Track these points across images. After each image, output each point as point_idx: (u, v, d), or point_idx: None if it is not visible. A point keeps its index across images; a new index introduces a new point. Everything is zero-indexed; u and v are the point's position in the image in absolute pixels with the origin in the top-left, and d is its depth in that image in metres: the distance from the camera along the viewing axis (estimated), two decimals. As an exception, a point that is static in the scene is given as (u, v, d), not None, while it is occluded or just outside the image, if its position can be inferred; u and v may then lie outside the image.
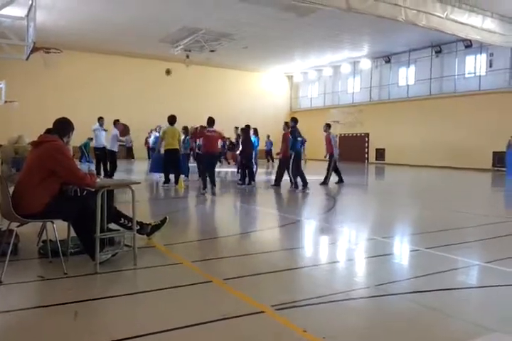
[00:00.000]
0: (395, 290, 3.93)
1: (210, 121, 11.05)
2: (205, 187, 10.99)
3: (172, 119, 12.36)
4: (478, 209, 9.47)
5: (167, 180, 12.53)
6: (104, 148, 13.81)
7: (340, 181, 14.17)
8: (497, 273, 4.55)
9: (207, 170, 11.17)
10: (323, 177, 13.88)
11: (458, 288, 4.08)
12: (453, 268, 4.73)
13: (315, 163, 29.39)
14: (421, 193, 13.00)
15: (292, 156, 12.00)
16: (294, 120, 12.51)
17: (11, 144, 13.13)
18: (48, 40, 20.02)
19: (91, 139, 19.14)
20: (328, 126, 14.12)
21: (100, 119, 14.35)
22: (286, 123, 12.61)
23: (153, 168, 13.86)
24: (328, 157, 14.11)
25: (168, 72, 28.97)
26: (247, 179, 12.78)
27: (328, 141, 13.83)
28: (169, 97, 29.82)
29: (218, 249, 5.57)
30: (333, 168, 14.04)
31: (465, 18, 16.64)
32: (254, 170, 13.91)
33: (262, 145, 21.00)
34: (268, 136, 27.09)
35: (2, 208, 4.21)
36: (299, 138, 12.22)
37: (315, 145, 29.58)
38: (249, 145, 13.23)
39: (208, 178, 10.99)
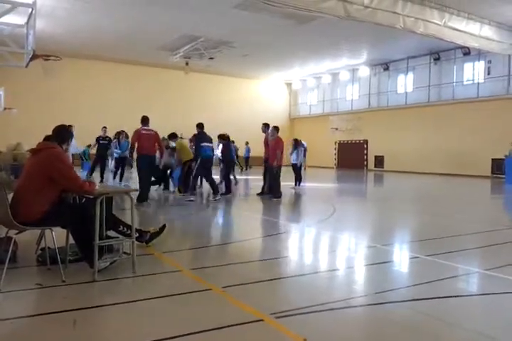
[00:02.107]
0: (395, 298, 3.92)
1: (145, 119, 10.51)
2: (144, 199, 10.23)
3: (176, 135, 12.68)
4: (478, 216, 9.46)
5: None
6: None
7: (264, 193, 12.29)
8: (497, 280, 4.54)
9: (141, 176, 10.37)
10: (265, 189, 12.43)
11: (458, 296, 4.06)
12: (453, 275, 4.72)
13: (317, 170, 29.42)
14: (420, 200, 13.00)
15: (198, 162, 11.39)
16: (200, 125, 11.68)
17: (10, 151, 13.15)
18: (48, 47, 20.11)
19: (89, 146, 19.34)
20: (266, 126, 12.28)
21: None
22: (266, 125, 12.00)
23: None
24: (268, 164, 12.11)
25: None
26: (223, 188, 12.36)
27: (278, 146, 11.70)
28: (168, 105, 29.89)
29: (217, 257, 5.55)
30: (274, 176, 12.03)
31: (463, 26, 16.73)
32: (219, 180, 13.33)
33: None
34: (247, 143, 26.96)
35: (0, 215, 4.20)
36: (205, 144, 11.47)
37: (315, 152, 29.65)
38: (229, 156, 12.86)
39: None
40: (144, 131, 10.40)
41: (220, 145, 13.55)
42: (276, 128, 12.02)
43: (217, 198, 11.09)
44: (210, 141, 11.72)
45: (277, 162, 11.63)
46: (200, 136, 11.62)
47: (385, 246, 6.15)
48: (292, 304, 3.70)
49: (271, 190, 11.79)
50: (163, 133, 11.73)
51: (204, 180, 13.32)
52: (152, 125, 10.58)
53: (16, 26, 12.06)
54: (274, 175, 11.72)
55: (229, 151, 12.96)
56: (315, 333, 3.16)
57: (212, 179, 11.48)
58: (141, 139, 10.37)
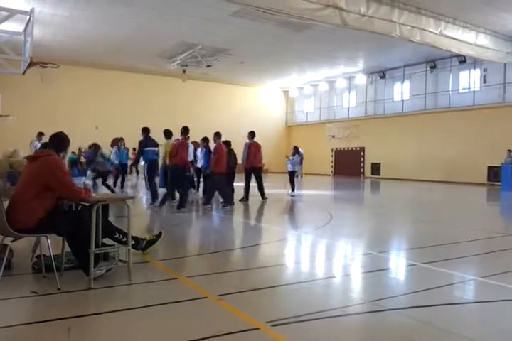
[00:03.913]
0: (392, 306, 3.91)
1: (183, 130, 10.87)
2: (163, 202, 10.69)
3: (170, 133, 12.15)
4: (474, 224, 9.47)
5: (174, 197, 11.87)
6: None
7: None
8: (493, 288, 4.53)
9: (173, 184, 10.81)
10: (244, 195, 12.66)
11: (455, 303, 4.07)
12: (449, 283, 4.72)
13: (313, 177, 29.43)
14: (416, 208, 13.01)
15: (146, 166, 11.35)
16: (146, 130, 11.55)
17: (6, 158, 13.13)
18: (45, 55, 20.10)
19: (74, 153, 19.12)
20: (217, 135, 11.88)
21: (40, 135, 14.95)
22: (216, 134, 11.62)
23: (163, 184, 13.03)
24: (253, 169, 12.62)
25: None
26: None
27: (216, 152, 11.64)
28: (166, 112, 29.88)
29: (213, 265, 5.54)
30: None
31: (459, 34, 16.84)
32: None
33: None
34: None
35: (-4, 223, 4.18)
36: (150, 148, 11.33)
37: (311, 160, 29.69)
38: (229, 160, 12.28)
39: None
40: (174, 142, 10.91)
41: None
42: (217, 135, 11.68)
43: (155, 205, 10.97)
44: (154, 145, 11.67)
45: (215, 169, 11.21)
46: (145, 140, 11.50)
47: (381, 254, 6.15)
48: (289, 312, 3.69)
49: (207, 198, 11.48)
50: (160, 140, 11.73)
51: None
52: (150, 131, 10.68)
53: (13, 33, 12.08)
54: (213, 182, 11.39)
55: (230, 159, 12.42)
56: (311, 341, 3.15)
57: (155, 184, 11.55)
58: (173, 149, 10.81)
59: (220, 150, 11.29)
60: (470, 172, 23.18)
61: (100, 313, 3.65)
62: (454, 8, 15.86)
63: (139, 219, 9.17)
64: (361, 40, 20.53)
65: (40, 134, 15.06)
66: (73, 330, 3.25)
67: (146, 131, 11.62)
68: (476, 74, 23.99)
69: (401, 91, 28.19)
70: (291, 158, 15.11)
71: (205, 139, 13.20)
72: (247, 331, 3.27)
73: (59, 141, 4.65)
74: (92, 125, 26.64)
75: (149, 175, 11.44)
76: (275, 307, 3.91)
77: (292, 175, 14.97)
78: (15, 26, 12.65)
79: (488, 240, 7.35)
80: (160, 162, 12.06)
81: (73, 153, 19.71)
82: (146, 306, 3.76)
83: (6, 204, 4.24)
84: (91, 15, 18.36)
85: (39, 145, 14.47)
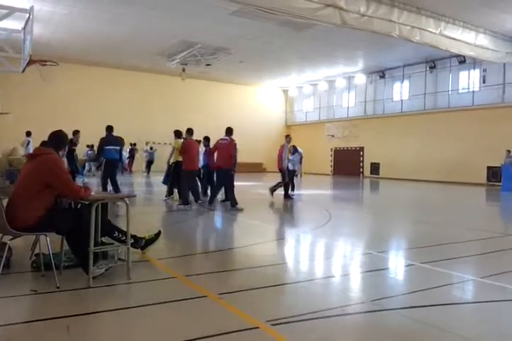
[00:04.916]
0: (391, 306, 3.92)
1: (227, 131, 11.07)
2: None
3: (180, 133, 12.20)
4: (474, 224, 9.47)
5: (172, 193, 12.20)
6: None
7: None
8: (492, 288, 4.54)
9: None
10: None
11: (454, 304, 4.07)
12: (448, 283, 4.72)
13: (313, 177, 29.43)
14: (416, 208, 13.01)
15: (103, 162, 11.30)
16: (108, 128, 11.55)
17: (5, 156, 13.13)
18: (45, 52, 20.08)
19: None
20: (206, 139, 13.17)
21: (29, 133, 15.63)
22: (188, 131, 11.55)
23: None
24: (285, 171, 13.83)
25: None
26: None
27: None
28: (165, 110, 29.89)
29: (213, 263, 5.53)
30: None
31: (458, 34, 16.85)
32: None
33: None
34: (151, 148, 26.29)
35: (-5, 221, 4.17)
36: (110, 147, 11.26)
37: (311, 159, 29.67)
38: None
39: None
40: (221, 142, 10.99)
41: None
42: (188, 131, 11.54)
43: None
44: (116, 144, 11.58)
45: (188, 166, 11.08)
46: (107, 138, 11.46)
47: (380, 253, 6.15)
48: (288, 311, 3.69)
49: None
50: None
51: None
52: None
53: (12, 31, 12.05)
54: (185, 180, 11.20)
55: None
56: (311, 341, 3.15)
57: (116, 180, 11.53)
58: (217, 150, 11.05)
59: (188, 147, 11.05)
60: (469, 173, 23.21)
61: (99, 312, 3.65)
62: (454, 9, 15.87)
63: (138, 218, 9.16)
64: (361, 40, 20.56)
65: (29, 133, 15.58)
66: (72, 329, 3.25)
67: (108, 129, 11.64)
68: (475, 74, 24.00)
69: (400, 91, 28.22)
70: (291, 157, 15.09)
71: (207, 138, 13.23)
72: (247, 330, 3.27)
73: (58, 139, 4.64)
74: (91, 122, 26.62)
75: (105, 173, 11.47)
76: (275, 306, 3.91)
77: (292, 174, 14.96)
78: (14, 24, 12.60)
79: (487, 240, 7.36)
80: (171, 160, 11.99)
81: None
82: (145, 305, 3.76)
83: (5, 202, 4.24)
84: (91, 14, 18.35)
85: (30, 143, 14.79)
